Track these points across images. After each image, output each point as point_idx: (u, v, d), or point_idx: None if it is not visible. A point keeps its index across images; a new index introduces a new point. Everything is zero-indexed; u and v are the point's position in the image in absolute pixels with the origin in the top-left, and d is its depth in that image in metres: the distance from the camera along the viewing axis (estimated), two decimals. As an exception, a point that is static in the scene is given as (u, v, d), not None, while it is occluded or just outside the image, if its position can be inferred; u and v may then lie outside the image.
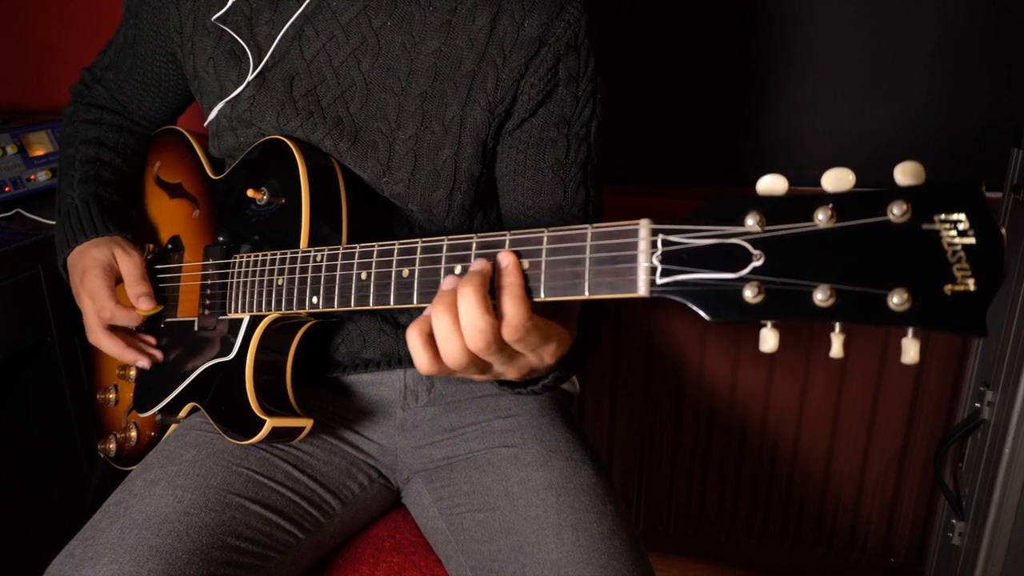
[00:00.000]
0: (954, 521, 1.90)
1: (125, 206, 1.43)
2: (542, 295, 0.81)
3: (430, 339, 0.84)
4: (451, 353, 0.82)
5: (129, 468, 1.38)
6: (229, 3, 1.22)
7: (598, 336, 1.24)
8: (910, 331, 0.61)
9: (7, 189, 1.84)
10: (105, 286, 1.26)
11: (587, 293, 0.77)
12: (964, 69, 1.84)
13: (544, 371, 0.91)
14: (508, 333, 0.80)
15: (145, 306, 1.27)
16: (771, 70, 1.95)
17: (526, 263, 0.82)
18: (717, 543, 2.38)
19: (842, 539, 2.26)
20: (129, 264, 1.28)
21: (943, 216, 0.58)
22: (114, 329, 1.30)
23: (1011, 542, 1.69)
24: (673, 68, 2.02)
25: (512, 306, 0.80)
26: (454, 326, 0.81)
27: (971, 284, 0.57)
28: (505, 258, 0.83)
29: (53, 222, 1.73)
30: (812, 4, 1.88)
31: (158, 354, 1.31)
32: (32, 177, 1.90)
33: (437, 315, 0.82)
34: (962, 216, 0.58)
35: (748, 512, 2.31)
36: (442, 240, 0.89)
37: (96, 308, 1.26)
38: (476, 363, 0.84)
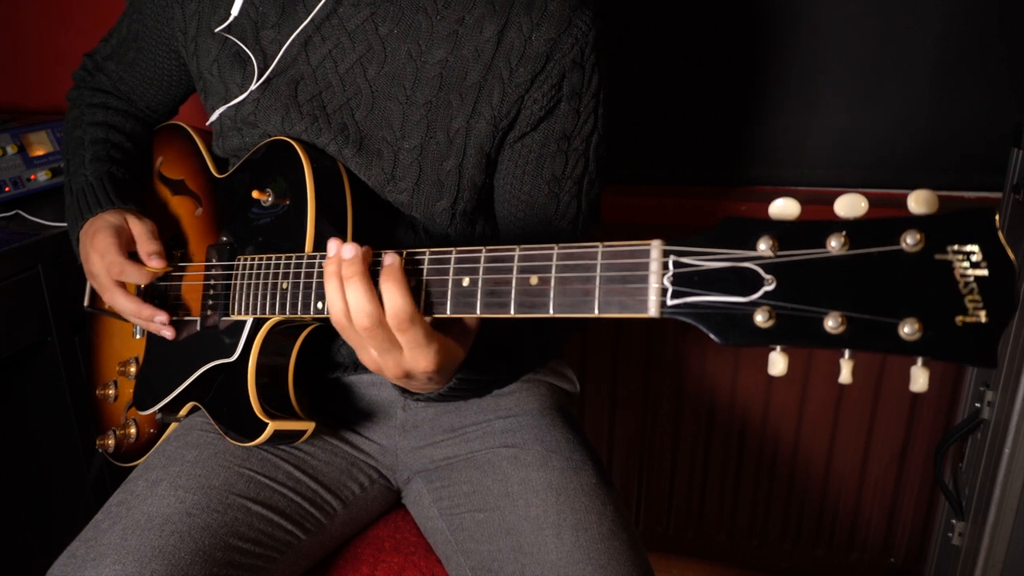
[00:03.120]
0: (954, 521, 1.90)
1: (136, 187, 1.42)
2: (551, 311, 0.81)
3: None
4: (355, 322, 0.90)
5: (127, 465, 1.38)
6: (234, 14, 1.21)
7: (533, 360, 1.32)
8: (919, 360, 0.61)
9: (7, 189, 1.84)
10: (115, 243, 1.24)
11: (597, 312, 0.78)
12: (965, 68, 1.84)
13: (423, 377, 0.95)
14: (393, 321, 0.87)
15: (157, 264, 1.25)
16: (775, 71, 1.95)
17: (535, 279, 0.82)
18: (717, 543, 2.38)
19: (842, 539, 2.27)
20: (141, 226, 1.27)
21: (956, 247, 0.59)
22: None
23: (1011, 542, 1.70)
24: (678, 71, 2.02)
25: (395, 298, 0.87)
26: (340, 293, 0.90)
27: (982, 316, 0.57)
28: (389, 258, 0.89)
29: (53, 223, 1.74)
30: (814, 6, 1.88)
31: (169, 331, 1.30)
32: (32, 177, 1.89)
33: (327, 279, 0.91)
34: (975, 247, 0.58)
35: (748, 512, 2.31)
36: (450, 252, 0.89)
37: (106, 264, 1.23)
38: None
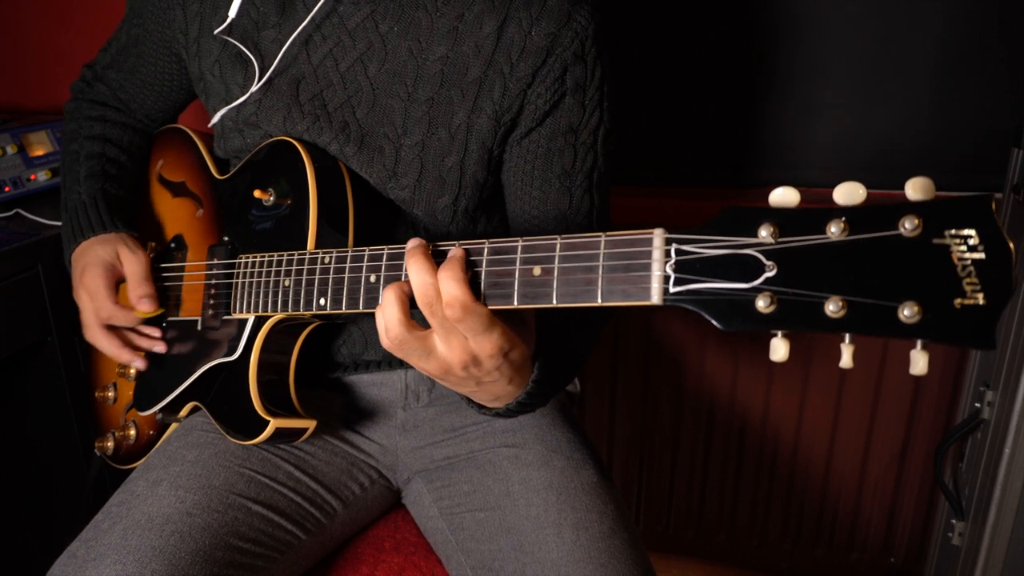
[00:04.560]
0: (954, 521, 1.91)
1: (132, 202, 1.43)
2: (554, 301, 0.81)
3: (406, 296, 0.91)
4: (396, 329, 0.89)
5: (126, 467, 1.38)
6: (231, 16, 1.21)
7: (587, 349, 1.26)
8: (919, 343, 0.62)
9: (7, 189, 1.83)
10: (104, 285, 1.25)
11: (600, 300, 0.78)
12: (965, 69, 1.85)
13: (491, 365, 0.93)
14: (449, 311, 0.85)
15: (146, 308, 1.26)
16: (774, 72, 1.96)
17: (538, 269, 0.83)
18: (717, 543, 2.38)
19: (842, 539, 2.27)
20: (134, 264, 1.27)
21: (954, 231, 0.59)
22: (113, 327, 1.30)
23: (1011, 542, 1.70)
24: (677, 71, 2.02)
25: (451, 286, 0.85)
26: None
27: (980, 298, 0.58)
28: (453, 251, 0.88)
29: (53, 222, 1.74)
30: (816, 7, 1.89)
31: (162, 346, 1.30)
32: (32, 177, 1.89)
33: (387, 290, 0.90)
34: (972, 231, 0.59)
35: (748, 512, 2.32)
36: (453, 244, 0.89)
37: (94, 307, 1.25)
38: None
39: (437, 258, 0.90)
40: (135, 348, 1.30)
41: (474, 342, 0.88)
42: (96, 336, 1.27)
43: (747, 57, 1.96)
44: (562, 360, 1.11)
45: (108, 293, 1.25)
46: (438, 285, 0.86)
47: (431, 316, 0.87)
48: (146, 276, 1.27)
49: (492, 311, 0.87)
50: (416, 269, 0.87)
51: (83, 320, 1.29)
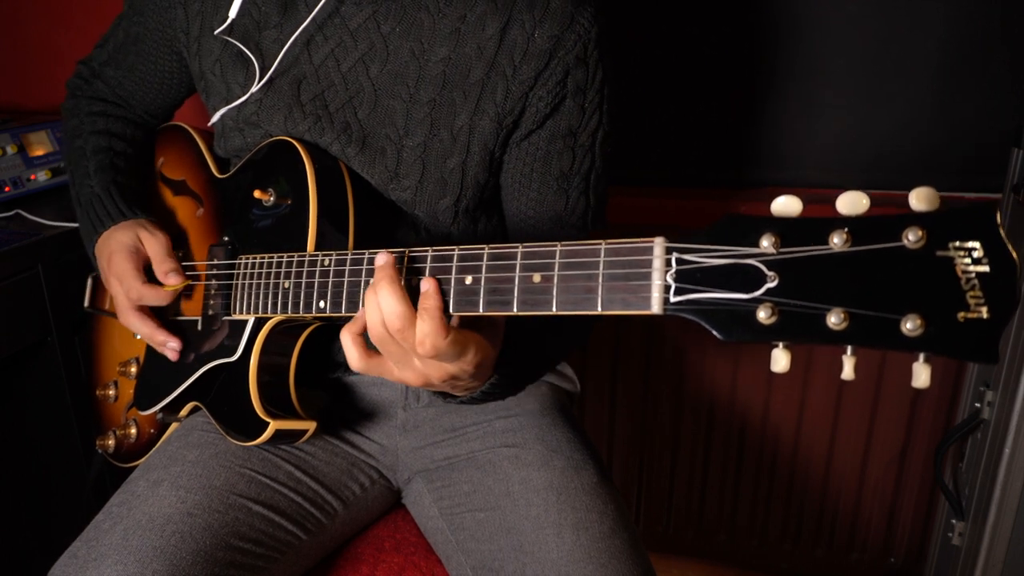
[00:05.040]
0: (954, 521, 1.91)
1: (143, 192, 1.42)
2: (553, 309, 0.81)
3: (359, 337, 0.94)
4: (374, 334, 0.90)
5: (127, 465, 1.38)
6: (231, 16, 1.21)
7: (559, 353, 1.29)
8: (921, 356, 0.61)
9: (7, 189, 1.83)
10: (131, 267, 1.24)
11: (600, 309, 0.78)
12: (966, 71, 1.84)
13: (466, 376, 0.95)
14: (423, 350, 0.87)
15: (173, 281, 1.24)
16: (776, 73, 1.95)
17: (538, 276, 0.82)
18: (717, 543, 2.38)
19: (842, 539, 2.27)
20: (155, 243, 1.27)
21: (958, 243, 0.59)
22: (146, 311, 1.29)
23: (1011, 542, 1.70)
24: (679, 73, 2.02)
25: (428, 327, 0.86)
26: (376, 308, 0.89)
27: (984, 312, 0.58)
28: (426, 284, 0.89)
29: (53, 222, 1.74)
30: (817, 9, 1.88)
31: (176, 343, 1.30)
32: (32, 177, 1.89)
33: (369, 303, 0.90)
34: (977, 244, 0.58)
35: (748, 512, 2.32)
36: (453, 250, 0.89)
37: (124, 289, 1.24)
38: (400, 345, 0.90)
39: (412, 263, 0.92)
40: (169, 330, 1.28)
41: (451, 364, 0.91)
42: (131, 319, 1.26)
43: (749, 59, 1.96)
44: (529, 357, 1.13)
45: (136, 274, 1.24)
46: (413, 319, 0.88)
47: (404, 340, 0.89)
48: (168, 252, 1.27)
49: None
50: (388, 298, 0.88)
51: (117, 306, 1.28)
